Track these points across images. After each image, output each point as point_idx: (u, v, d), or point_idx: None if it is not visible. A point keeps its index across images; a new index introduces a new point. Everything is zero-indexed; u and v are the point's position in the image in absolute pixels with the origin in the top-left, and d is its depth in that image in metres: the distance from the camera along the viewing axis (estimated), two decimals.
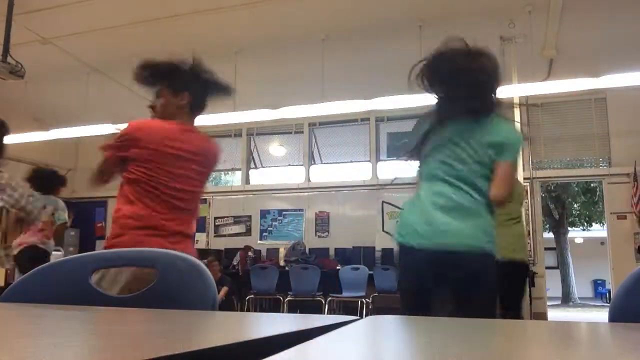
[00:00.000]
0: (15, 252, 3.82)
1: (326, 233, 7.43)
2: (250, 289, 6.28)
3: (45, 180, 4.38)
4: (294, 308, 6.13)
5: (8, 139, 2.98)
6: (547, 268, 6.41)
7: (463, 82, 1.95)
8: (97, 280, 1.35)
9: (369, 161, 7.53)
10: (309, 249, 7.00)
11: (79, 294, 0.92)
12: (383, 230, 7.09)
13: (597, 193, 14.96)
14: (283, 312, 6.12)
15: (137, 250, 1.29)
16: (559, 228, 14.86)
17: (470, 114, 1.95)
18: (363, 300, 5.97)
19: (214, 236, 7.87)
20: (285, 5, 4.93)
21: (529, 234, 6.26)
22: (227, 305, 5.88)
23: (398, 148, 7.45)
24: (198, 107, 2.19)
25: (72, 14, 5.03)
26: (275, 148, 8.34)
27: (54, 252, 4.48)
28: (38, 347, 0.43)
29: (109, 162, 2.00)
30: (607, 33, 5.25)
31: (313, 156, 7.84)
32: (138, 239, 1.85)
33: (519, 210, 3.30)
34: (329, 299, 6.05)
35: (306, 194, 7.63)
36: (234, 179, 8.73)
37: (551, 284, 6.28)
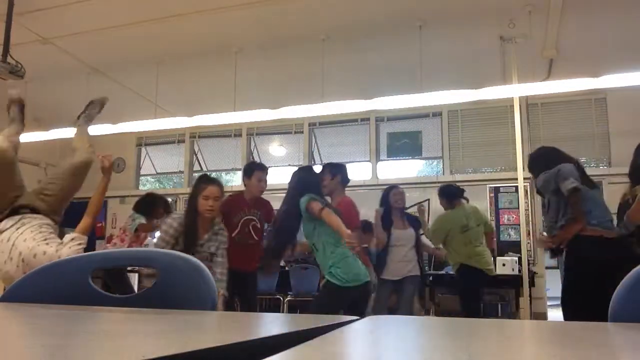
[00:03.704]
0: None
1: None
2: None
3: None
4: (294, 308, 6.13)
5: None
6: (547, 268, 6.40)
7: None
8: None
9: (369, 161, 7.53)
10: None
11: (79, 294, 0.92)
12: None
13: None
14: (283, 312, 6.12)
15: (137, 250, 1.30)
16: None
17: None
18: None
19: None
20: (285, 5, 4.92)
21: (529, 234, 6.26)
22: (227, 305, 5.86)
23: (398, 148, 7.45)
24: None
25: (72, 14, 5.02)
26: (275, 148, 8.34)
27: None
28: (38, 347, 0.43)
29: None
30: (607, 33, 5.25)
31: (313, 156, 7.84)
32: None
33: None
34: None
35: None
36: (234, 179, 8.73)
37: (551, 284, 6.27)
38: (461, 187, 4.76)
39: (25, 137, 6.60)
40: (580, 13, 4.92)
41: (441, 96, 5.19)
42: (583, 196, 2.97)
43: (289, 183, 3.23)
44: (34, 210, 2.59)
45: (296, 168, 3.50)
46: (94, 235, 8.32)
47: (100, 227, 8.26)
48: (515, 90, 5.52)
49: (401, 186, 4.78)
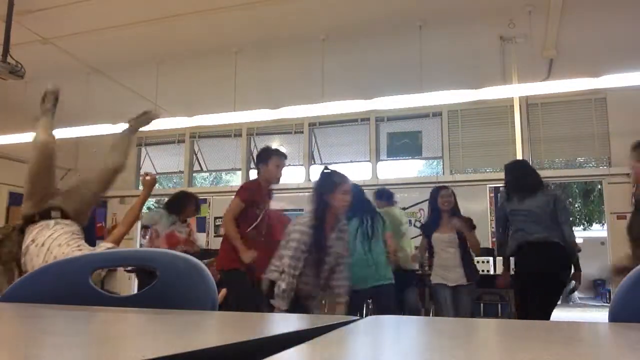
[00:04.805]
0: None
1: None
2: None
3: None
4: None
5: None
6: None
7: None
8: None
9: (369, 161, 7.52)
10: None
11: (79, 294, 0.92)
12: None
13: (595, 193, 14.97)
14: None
15: (136, 250, 1.30)
16: None
17: None
18: None
19: (214, 236, 7.86)
20: (285, 5, 4.92)
21: None
22: (227, 305, 5.86)
23: (398, 148, 7.45)
24: None
25: (72, 14, 5.02)
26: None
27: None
28: (38, 347, 0.43)
29: None
30: (607, 33, 5.24)
31: (313, 156, 7.84)
32: None
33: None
34: None
35: (306, 194, 7.61)
36: (234, 179, 8.73)
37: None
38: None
39: (25, 137, 6.62)
40: (580, 13, 4.92)
41: (441, 96, 5.19)
42: (515, 214, 3.57)
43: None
44: (64, 214, 2.66)
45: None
46: (94, 235, 8.33)
47: (100, 227, 8.26)
48: (515, 90, 5.51)
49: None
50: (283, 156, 3.54)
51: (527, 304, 3.53)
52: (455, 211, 4.04)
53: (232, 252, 3.24)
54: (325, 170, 3.15)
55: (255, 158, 3.64)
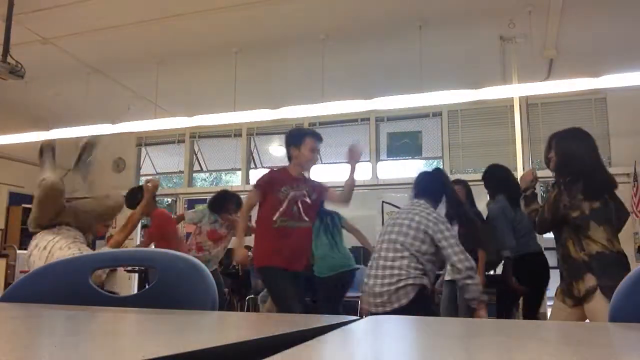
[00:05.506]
0: None
1: None
2: (250, 289, 6.28)
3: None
4: None
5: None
6: None
7: None
8: None
9: (369, 161, 7.53)
10: None
11: (79, 294, 0.92)
12: None
13: None
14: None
15: (136, 250, 1.30)
16: None
17: None
18: None
19: None
20: (285, 5, 4.92)
21: None
22: (227, 305, 5.87)
23: (398, 148, 7.45)
24: None
25: (72, 14, 5.02)
26: (275, 148, 8.34)
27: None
28: (38, 347, 0.43)
29: None
30: (607, 33, 5.24)
31: None
32: None
33: None
34: None
35: None
36: (234, 179, 8.73)
37: (551, 284, 6.23)
38: None
39: (25, 137, 6.63)
40: (580, 13, 4.92)
41: (441, 96, 5.19)
42: (520, 220, 3.61)
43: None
44: (69, 225, 2.80)
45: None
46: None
47: None
48: (515, 90, 5.51)
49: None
50: (318, 138, 3.04)
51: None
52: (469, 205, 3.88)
53: (267, 249, 2.99)
54: (438, 169, 3.50)
55: (286, 139, 3.16)
